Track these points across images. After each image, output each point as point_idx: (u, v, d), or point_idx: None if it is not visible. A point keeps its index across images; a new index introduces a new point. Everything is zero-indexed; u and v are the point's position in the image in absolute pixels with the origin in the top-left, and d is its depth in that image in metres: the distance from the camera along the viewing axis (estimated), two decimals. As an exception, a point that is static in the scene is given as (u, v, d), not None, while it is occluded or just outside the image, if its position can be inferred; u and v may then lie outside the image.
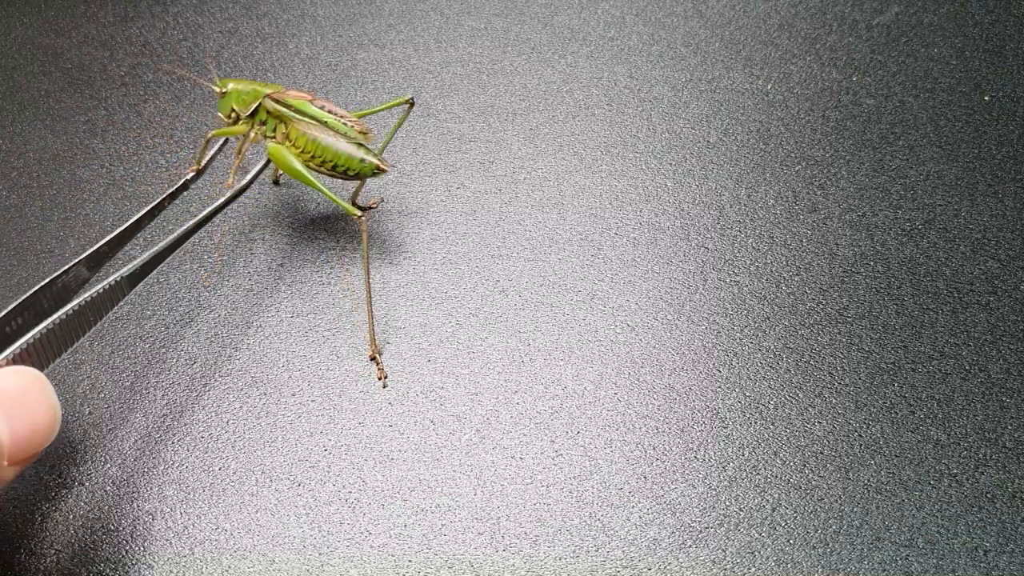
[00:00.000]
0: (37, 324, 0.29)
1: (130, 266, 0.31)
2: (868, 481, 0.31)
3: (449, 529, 0.30)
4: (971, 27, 0.49)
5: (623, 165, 0.42)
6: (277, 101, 0.37)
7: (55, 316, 0.28)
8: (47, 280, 0.31)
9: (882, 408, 0.33)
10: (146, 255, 0.32)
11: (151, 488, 0.32)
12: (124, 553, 0.30)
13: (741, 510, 0.31)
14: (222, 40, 0.49)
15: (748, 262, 0.38)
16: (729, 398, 0.34)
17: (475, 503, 0.31)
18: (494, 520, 0.31)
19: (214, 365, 0.35)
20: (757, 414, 0.33)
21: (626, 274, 0.38)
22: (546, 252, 0.39)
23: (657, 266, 0.38)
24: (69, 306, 0.29)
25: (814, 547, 0.30)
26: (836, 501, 0.31)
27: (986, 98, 0.45)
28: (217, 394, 0.34)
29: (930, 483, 0.31)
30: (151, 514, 0.31)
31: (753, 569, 0.29)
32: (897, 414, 0.33)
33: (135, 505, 0.31)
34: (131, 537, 0.30)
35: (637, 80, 0.47)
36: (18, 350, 0.27)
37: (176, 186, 0.37)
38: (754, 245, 0.39)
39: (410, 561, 0.30)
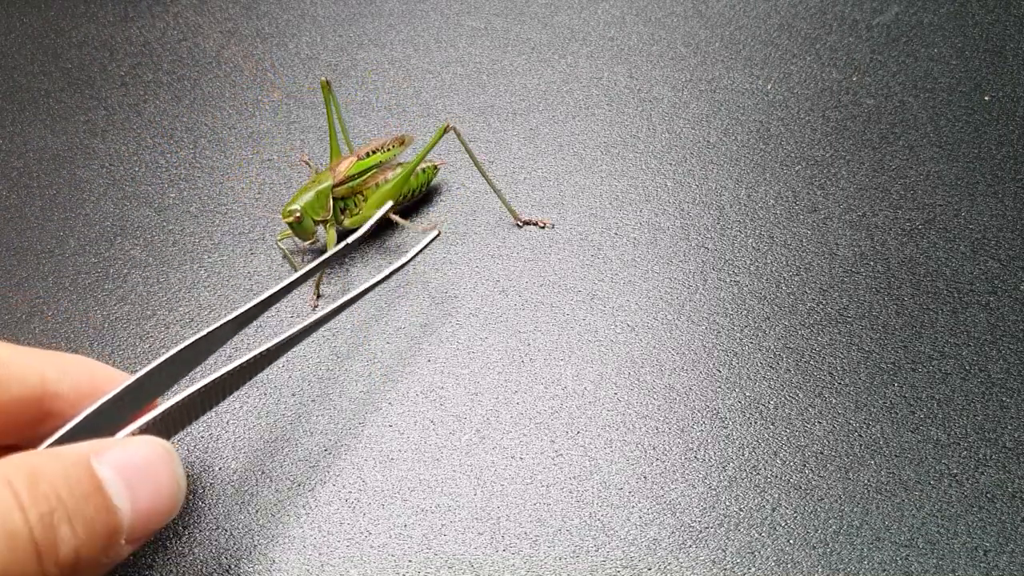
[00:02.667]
0: (173, 385, 0.28)
1: (277, 339, 0.29)
2: (868, 481, 0.31)
3: (449, 529, 0.30)
4: (971, 27, 0.49)
5: (623, 165, 0.42)
6: (341, 183, 0.38)
7: (197, 386, 0.27)
8: (193, 339, 0.29)
9: (882, 408, 0.33)
10: (294, 329, 0.29)
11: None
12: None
13: (741, 510, 0.31)
14: (222, 40, 0.49)
15: (748, 262, 0.38)
16: (729, 398, 0.34)
17: (475, 503, 0.31)
18: (494, 520, 0.31)
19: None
20: (757, 414, 0.33)
21: (626, 274, 0.38)
22: (546, 252, 0.39)
23: (657, 266, 0.38)
24: (212, 376, 0.27)
25: (814, 547, 0.30)
26: (836, 501, 0.31)
27: (986, 98, 0.45)
28: (217, 394, 0.34)
29: (930, 483, 0.31)
30: (151, 514, 0.31)
31: (753, 569, 0.29)
32: (897, 414, 0.33)
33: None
34: (131, 537, 0.30)
35: (637, 80, 0.47)
36: (152, 417, 0.26)
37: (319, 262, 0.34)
38: (754, 245, 0.39)
39: (410, 561, 0.30)
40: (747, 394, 0.34)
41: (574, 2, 0.51)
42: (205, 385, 0.27)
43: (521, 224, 0.40)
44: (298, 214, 0.36)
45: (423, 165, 0.40)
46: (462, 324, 0.36)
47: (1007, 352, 0.35)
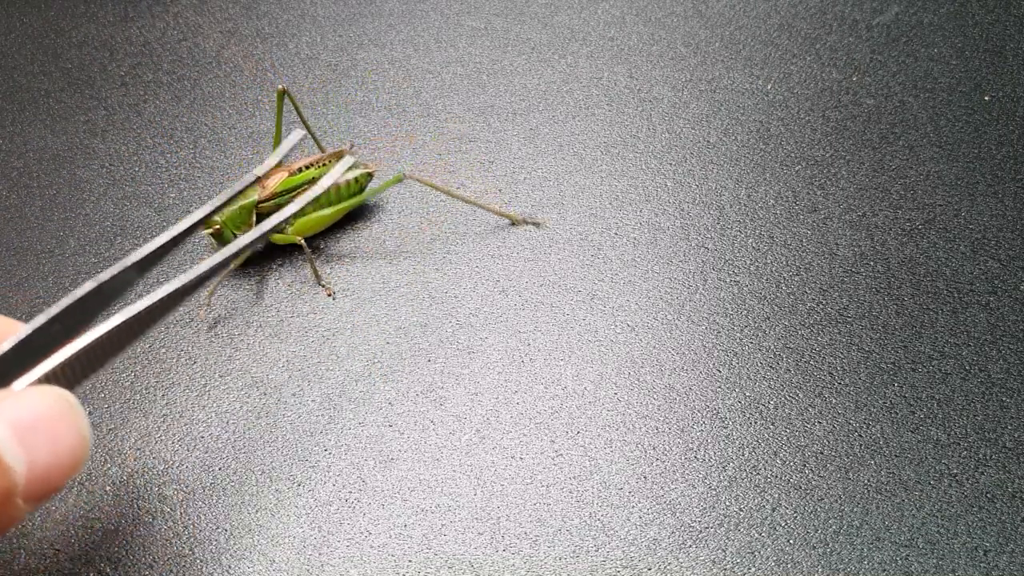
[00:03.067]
0: (73, 334, 0.25)
1: (185, 276, 0.27)
2: (868, 481, 0.31)
3: (449, 529, 0.30)
4: (971, 27, 0.49)
5: (623, 165, 0.42)
6: (267, 200, 0.38)
7: (98, 329, 0.25)
8: (92, 286, 0.27)
9: (882, 408, 0.33)
10: (204, 266, 0.27)
11: (151, 488, 0.32)
12: (124, 553, 0.30)
13: (741, 510, 0.31)
14: (222, 40, 0.49)
15: (748, 262, 0.38)
16: (729, 398, 0.34)
17: (475, 503, 0.31)
18: (494, 520, 0.31)
19: (214, 365, 0.35)
20: (757, 414, 0.33)
21: (626, 274, 0.38)
22: (546, 252, 0.39)
23: (657, 266, 0.38)
24: (115, 320, 0.25)
25: (814, 547, 0.30)
26: (836, 501, 0.31)
27: (986, 98, 0.45)
28: (217, 394, 0.34)
29: (930, 483, 0.31)
30: (151, 514, 0.31)
31: (753, 569, 0.29)
32: (897, 414, 0.33)
33: (135, 505, 0.31)
34: (131, 537, 0.30)
35: (637, 80, 0.47)
36: (52, 367, 0.23)
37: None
38: (754, 245, 0.39)
39: (410, 561, 0.30)
40: (747, 394, 0.34)
41: (574, 2, 0.51)
42: (109, 331, 0.25)
43: (516, 222, 0.40)
44: (218, 226, 0.36)
45: (354, 173, 0.39)
46: (462, 324, 0.36)
47: (1007, 352, 0.35)
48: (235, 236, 0.37)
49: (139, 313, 0.26)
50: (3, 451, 0.20)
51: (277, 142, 0.39)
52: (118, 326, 0.25)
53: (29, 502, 0.21)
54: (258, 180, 0.32)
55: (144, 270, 0.28)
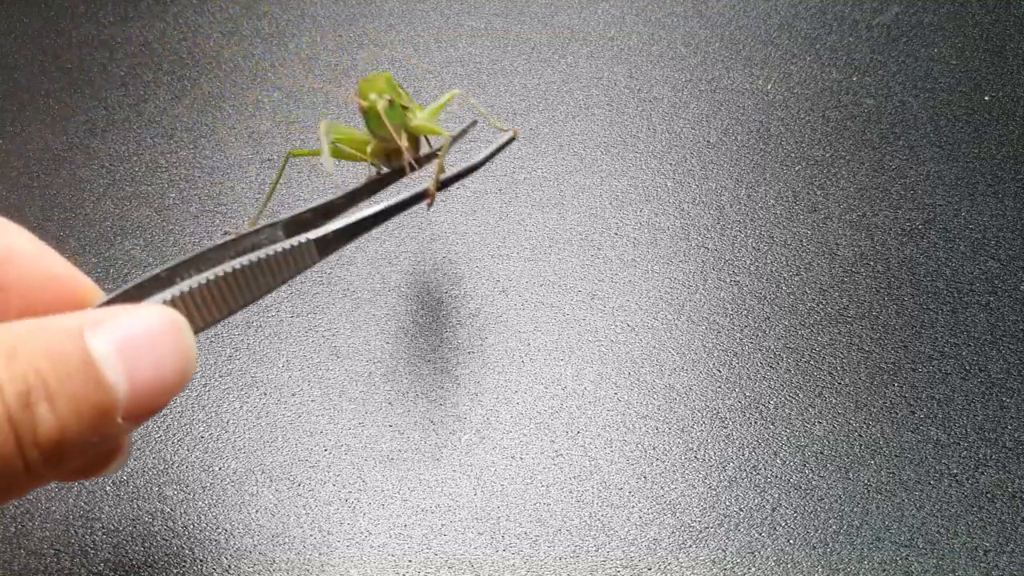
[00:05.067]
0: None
1: (323, 230, 0.26)
2: (868, 481, 0.31)
3: (449, 529, 0.30)
4: (971, 27, 0.49)
5: (623, 165, 0.42)
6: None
7: (223, 267, 0.24)
8: (236, 235, 0.27)
9: (882, 408, 0.33)
10: (342, 222, 0.26)
11: (151, 488, 0.32)
12: (124, 553, 0.30)
13: (741, 510, 0.31)
14: (222, 40, 0.49)
15: (748, 262, 0.38)
16: (729, 398, 0.34)
17: (475, 503, 0.31)
18: (494, 520, 0.31)
19: (214, 365, 0.35)
20: (757, 414, 0.33)
21: (626, 274, 0.38)
22: (546, 252, 0.39)
23: (657, 266, 0.38)
24: (242, 260, 0.24)
25: (814, 547, 0.30)
26: (836, 501, 0.31)
27: (986, 98, 0.45)
28: (217, 394, 0.34)
29: (930, 483, 0.31)
30: (151, 514, 0.31)
31: (753, 569, 0.29)
32: (897, 414, 0.33)
33: (136, 505, 0.31)
34: (131, 537, 0.30)
35: (637, 80, 0.46)
36: (172, 295, 0.23)
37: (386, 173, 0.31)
38: (754, 245, 0.39)
39: (410, 561, 0.30)
40: (747, 394, 0.34)
41: (574, 2, 0.51)
42: (240, 265, 0.24)
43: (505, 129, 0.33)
44: (389, 97, 0.29)
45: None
46: (462, 324, 0.36)
47: (1007, 352, 0.35)
48: (381, 101, 0.29)
49: (266, 255, 0.25)
50: (105, 368, 0.20)
51: (268, 199, 0.35)
52: (248, 266, 0.25)
53: (129, 420, 0.21)
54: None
55: (295, 232, 0.27)
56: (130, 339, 0.21)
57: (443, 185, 0.29)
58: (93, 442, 0.20)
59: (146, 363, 0.21)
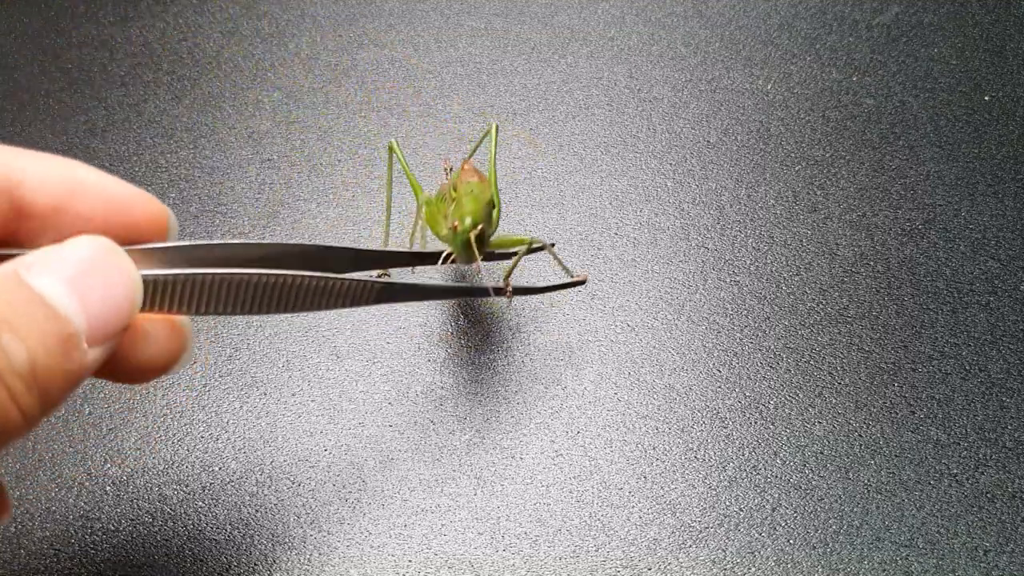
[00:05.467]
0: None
1: (393, 279, 0.27)
2: (868, 481, 0.31)
3: (449, 529, 0.30)
4: (971, 27, 0.49)
5: (623, 165, 0.42)
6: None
7: (222, 271, 0.25)
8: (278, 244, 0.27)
9: (882, 408, 0.33)
10: (410, 279, 0.28)
11: (151, 488, 0.32)
12: (124, 553, 0.30)
13: (741, 510, 0.31)
14: (222, 40, 0.49)
15: (748, 262, 0.38)
16: (729, 398, 0.34)
17: (475, 503, 0.31)
18: (494, 520, 0.31)
19: (214, 365, 0.35)
20: (757, 414, 0.33)
21: (626, 274, 0.38)
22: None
23: (657, 266, 0.38)
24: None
25: (814, 547, 0.30)
26: (836, 501, 0.31)
27: (986, 98, 0.45)
28: (217, 394, 0.34)
29: (930, 483, 0.31)
30: (151, 514, 0.31)
31: (753, 569, 0.29)
32: (897, 414, 0.33)
33: (135, 505, 0.31)
34: (131, 537, 0.30)
35: (637, 80, 0.47)
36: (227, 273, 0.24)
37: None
38: (754, 245, 0.39)
39: (410, 561, 0.30)
40: (747, 394, 0.34)
41: (574, 2, 0.51)
42: (232, 274, 0.25)
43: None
44: (482, 226, 0.29)
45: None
46: (462, 324, 0.36)
47: (1007, 352, 0.35)
48: (474, 231, 0.30)
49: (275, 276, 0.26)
50: (57, 302, 0.21)
51: (389, 196, 0.36)
52: (247, 275, 0.25)
53: (95, 345, 0.22)
54: (460, 177, 0.31)
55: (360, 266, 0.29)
56: (72, 270, 0.22)
57: (515, 292, 0.32)
58: (69, 370, 0.21)
59: (94, 289, 0.22)
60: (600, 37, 0.49)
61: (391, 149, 0.36)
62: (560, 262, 0.33)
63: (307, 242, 0.28)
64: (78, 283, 0.22)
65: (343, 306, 0.28)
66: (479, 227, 0.29)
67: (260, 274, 0.25)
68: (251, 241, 0.27)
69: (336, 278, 0.27)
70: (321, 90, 0.46)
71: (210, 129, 0.44)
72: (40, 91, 0.47)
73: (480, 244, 0.30)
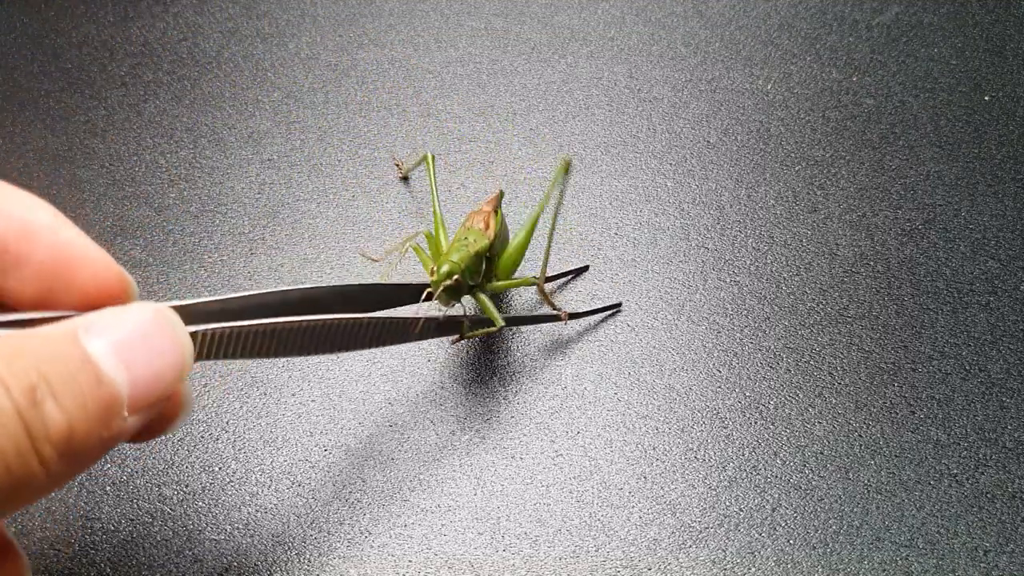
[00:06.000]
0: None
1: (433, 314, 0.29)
2: (868, 481, 0.31)
3: (449, 529, 0.30)
4: (971, 27, 0.49)
5: (623, 165, 0.42)
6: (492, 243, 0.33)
7: (242, 323, 0.26)
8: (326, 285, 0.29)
9: (882, 408, 0.33)
10: (439, 313, 0.30)
11: (151, 488, 0.32)
12: (124, 553, 0.30)
13: (741, 510, 0.31)
14: (222, 40, 0.49)
15: (748, 262, 0.38)
16: (729, 398, 0.34)
17: (475, 503, 0.31)
18: (494, 520, 0.31)
19: (214, 365, 0.35)
20: (757, 414, 0.33)
21: (626, 274, 0.38)
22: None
23: (657, 266, 0.38)
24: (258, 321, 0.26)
25: (814, 547, 0.30)
26: (836, 501, 0.31)
27: (986, 98, 0.45)
28: (217, 394, 0.34)
29: (930, 483, 0.31)
30: (151, 514, 0.31)
31: (753, 569, 0.29)
32: (897, 414, 0.33)
33: (135, 505, 0.31)
34: (131, 537, 0.30)
35: (637, 80, 0.47)
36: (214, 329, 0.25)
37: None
38: (754, 245, 0.39)
39: (410, 561, 0.30)
40: (747, 394, 0.34)
41: (574, 2, 0.51)
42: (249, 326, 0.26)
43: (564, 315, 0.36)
44: (458, 277, 0.31)
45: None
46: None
47: (1007, 352, 0.35)
48: (470, 286, 0.32)
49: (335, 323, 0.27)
50: (103, 366, 0.21)
51: (435, 202, 0.36)
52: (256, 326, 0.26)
53: (134, 415, 0.22)
54: (468, 224, 0.33)
55: (348, 303, 0.29)
56: (125, 336, 0.22)
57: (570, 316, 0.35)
58: (105, 437, 0.21)
59: (142, 358, 0.22)
60: (600, 37, 0.49)
61: (426, 161, 0.38)
62: (546, 298, 0.35)
63: (343, 282, 0.30)
64: (129, 349, 0.22)
65: (391, 342, 0.29)
66: (454, 278, 0.30)
67: (304, 320, 0.26)
68: (291, 287, 0.28)
69: (386, 317, 0.28)
70: (321, 90, 0.46)
71: (210, 129, 0.44)
72: (40, 91, 0.47)
73: (455, 293, 0.31)
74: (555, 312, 0.35)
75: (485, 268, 0.33)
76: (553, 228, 0.35)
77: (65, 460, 0.20)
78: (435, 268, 0.31)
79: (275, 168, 0.43)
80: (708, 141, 0.43)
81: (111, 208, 0.41)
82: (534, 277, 0.34)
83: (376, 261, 0.33)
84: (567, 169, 0.33)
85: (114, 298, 0.26)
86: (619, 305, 0.37)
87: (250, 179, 0.42)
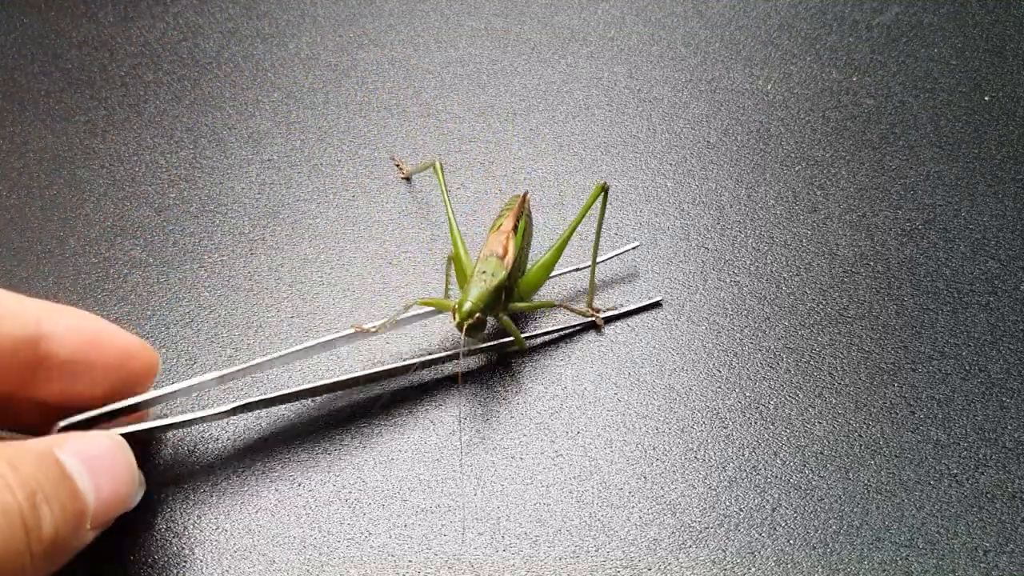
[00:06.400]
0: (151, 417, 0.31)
1: (246, 400, 0.31)
2: (868, 481, 0.31)
3: (449, 529, 0.30)
4: (971, 27, 0.49)
5: (623, 165, 0.42)
6: (513, 271, 0.33)
7: (166, 421, 0.30)
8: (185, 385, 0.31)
9: (882, 408, 0.33)
10: (270, 395, 0.32)
11: (151, 488, 0.32)
12: (124, 553, 0.30)
13: (741, 510, 0.31)
14: (222, 40, 0.49)
15: (748, 262, 0.38)
16: (729, 398, 0.34)
17: (475, 503, 0.31)
18: (494, 520, 0.31)
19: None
20: (757, 414, 0.33)
21: (626, 274, 0.38)
22: (546, 252, 0.39)
23: (658, 266, 0.38)
24: (185, 417, 0.30)
25: (814, 547, 0.30)
26: (836, 501, 0.31)
27: (986, 98, 0.45)
28: (217, 394, 0.34)
29: (930, 483, 0.31)
30: (151, 514, 0.31)
31: (753, 569, 0.29)
32: (897, 414, 0.33)
33: (135, 505, 0.31)
34: (131, 537, 0.30)
35: (637, 80, 0.47)
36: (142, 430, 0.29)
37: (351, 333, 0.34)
38: (754, 245, 0.39)
39: (410, 561, 0.30)
40: (747, 394, 0.34)
41: (574, 2, 0.51)
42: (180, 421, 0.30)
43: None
44: (479, 316, 0.31)
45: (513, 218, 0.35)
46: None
47: (1007, 352, 0.35)
48: (486, 320, 0.33)
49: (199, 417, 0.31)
50: (79, 481, 0.24)
51: (448, 212, 0.36)
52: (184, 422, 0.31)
53: (94, 528, 0.25)
54: (487, 253, 0.33)
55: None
56: (91, 458, 0.25)
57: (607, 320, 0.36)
58: (74, 545, 0.24)
59: (106, 478, 0.25)
60: (600, 37, 0.49)
61: (434, 169, 0.38)
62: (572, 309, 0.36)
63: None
64: (95, 470, 0.25)
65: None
66: (475, 316, 0.31)
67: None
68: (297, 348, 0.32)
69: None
70: (321, 90, 0.46)
71: (210, 129, 0.44)
72: (40, 91, 0.47)
73: (477, 329, 0.32)
74: (590, 318, 0.36)
75: (506, 292, 0.33)
76: (595, 260, 0.36)
77: (46, 561, 0.23)
78: (456, 308, 0.32)
79: (275, 168, 0.43)
80: (708, 141, 0.43)
81: (111, 208, 0.41)
82: (561, 303, 0.35)
83: (373, 332, 0.33)
84: (604, 193, 0.34)
85: (151, 374, 0.30)
86: (659, 303, 0.36)
87: (250, 179, 0.42)
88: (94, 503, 0.24)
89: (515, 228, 0.35)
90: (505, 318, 0.33)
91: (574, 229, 0.35)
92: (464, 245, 0.36)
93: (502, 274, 0.33)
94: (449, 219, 0.36)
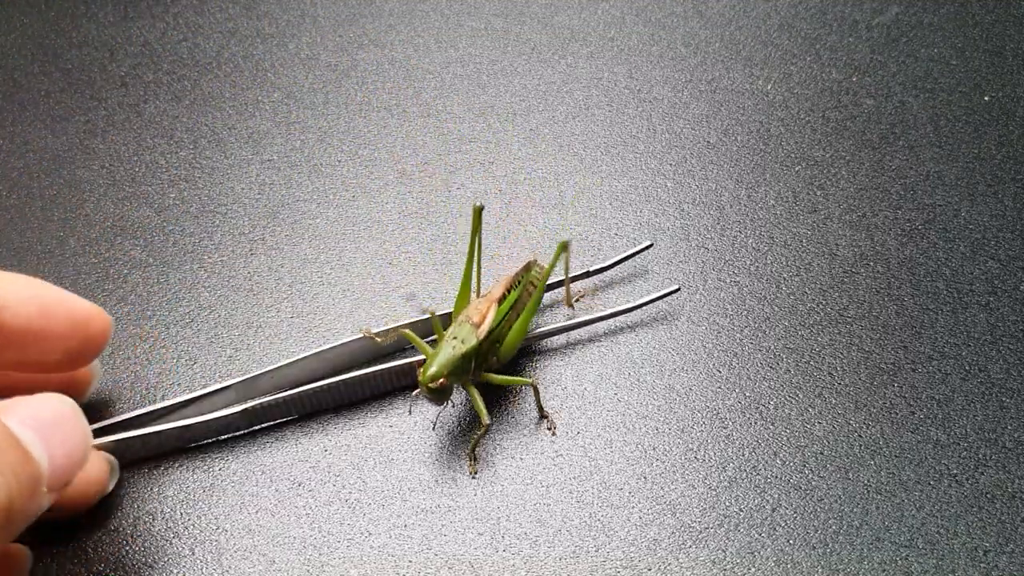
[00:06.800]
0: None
1: (240, 407, 0.32)
2: (868, 481, 0.31)
3: (449, 529, 0.30)
4: (971, 27, 0.49)
5: (623, 165, 0.42)
6: (485, 339, 0.32)
7: (152, 429, 0.31)
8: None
9: (882, 408, 0.33)
10: (269, 399, 0.33)
11: (151, 488, 0.32)
12: (124, 553, 0.30)
13: (741, 510, 0.31)
14: (222, 40, 0.49)
15: (748, 262, 0.38)
16: (729, 398, 0.34)
17: (475, 503, 0.31)
18: (494, 520, 0.31)
19: (214, 366, 0.35)
20: (757, 414, 0.33)
21: (626, 274, 0.38)
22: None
23: (658, 266, 0.38)
24: (185, 422, 0.32)
25: (814, 547, 0.30)
26: (836, 501, 0.31)
27: (986, 98, 0.45)
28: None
29: (930, 483, 0.31)
30: (151, 514, 0.31)
31: (753, 569, 0.29)
32: (897, 414, 0.33)
33: (135, 505, 0.31)
34: (132, 537, 0.30)
35: (637, 80, 0.47)
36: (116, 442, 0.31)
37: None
38: (754, 245, 0.39)
39: (410, 561, 0.30)
40: (747, 394, 0.34)
41: (574, 2, 0.51)
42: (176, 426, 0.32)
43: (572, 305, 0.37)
44: (443, 381, 0.30)
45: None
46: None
47: (1007, 352, 0.35)
48: (451, 387, 0.31)
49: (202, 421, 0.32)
50: (31, 447, 0.24)
51: (468, 265, 0.34)
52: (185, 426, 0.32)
53: (51, 491, 0.25)
54: (463, 319, 0.33)
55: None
56: (41, 422, 0.25)
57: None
58: (31, 511, 0.24)
59: (58, 441, 0.25)
60: (600, 37, 0.49)
61: (475, 213, 0.34)
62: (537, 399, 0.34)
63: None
64: (46, 434, 0.25)
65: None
66: (440, 381, 0.30)
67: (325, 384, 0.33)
68: (301, 356, 0.34)
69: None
70: (321, 90, 0.46)
71: (210, 129, 0.44)
72: (40, 91, 0.47)
73: (440, 394, 0.31)
74: (544, 417, 0.34)
75: (477, 360, 0.32)
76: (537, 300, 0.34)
77: (2, 529, 0.22)
78: (421, 370, 0.30)
79: (275, 168, 0.43)
80: (708, 141, 0.43)
81: (111, 208, 0.41)
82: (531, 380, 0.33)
83: (380, 341, 0.33)
84: (565, 248, 0.33)
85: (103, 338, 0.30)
86: (677, 288, 0.36)
87: (250, 179, 0.42)
88: (48, 467, 0.24)
89: (502, 297, 0.33)
90: (472, 388, 0.32)
91: (543, 290, 0.34)
92: (468, 287, 0.34)
93: (472, 342, 0.31)
94: (469, 261, 0.34)
